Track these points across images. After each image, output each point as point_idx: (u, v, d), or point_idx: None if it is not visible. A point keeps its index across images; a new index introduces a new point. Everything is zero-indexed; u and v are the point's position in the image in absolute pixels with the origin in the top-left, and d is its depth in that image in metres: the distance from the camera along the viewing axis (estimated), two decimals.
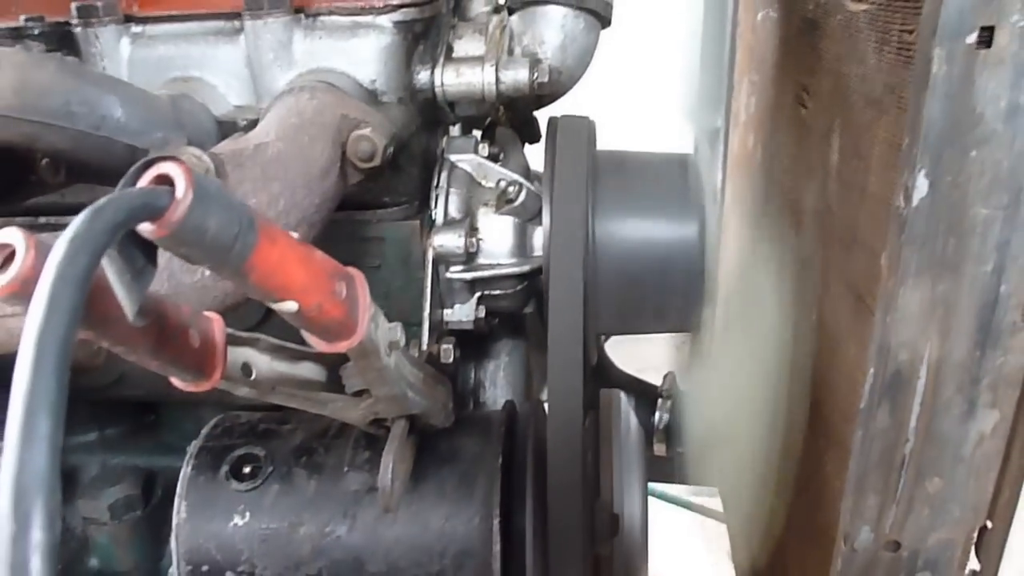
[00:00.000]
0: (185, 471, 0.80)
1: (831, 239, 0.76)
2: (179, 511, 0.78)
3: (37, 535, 0.29)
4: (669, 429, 1.18)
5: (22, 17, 0.82)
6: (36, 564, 0.30)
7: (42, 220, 0.87)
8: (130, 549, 1.07)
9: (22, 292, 0.39)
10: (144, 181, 0.41)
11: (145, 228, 0.40)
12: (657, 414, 1.20)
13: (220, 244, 0.43)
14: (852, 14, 0.70)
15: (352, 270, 0.56)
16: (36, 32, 0.81)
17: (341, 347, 0.56)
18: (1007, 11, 0.52)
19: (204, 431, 0.84)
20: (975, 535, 0.67)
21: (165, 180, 0.41)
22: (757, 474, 0.95)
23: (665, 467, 1.22)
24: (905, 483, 0.65)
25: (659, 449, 1.21)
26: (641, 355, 1.37)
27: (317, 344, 0.56)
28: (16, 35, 0.81)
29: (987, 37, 0.53)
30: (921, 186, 0.56)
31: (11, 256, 0.40)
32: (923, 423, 0.62)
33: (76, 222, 0.37)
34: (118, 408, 1.06)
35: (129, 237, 0.41)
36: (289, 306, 0.51)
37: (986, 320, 0.59)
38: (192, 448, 0.82)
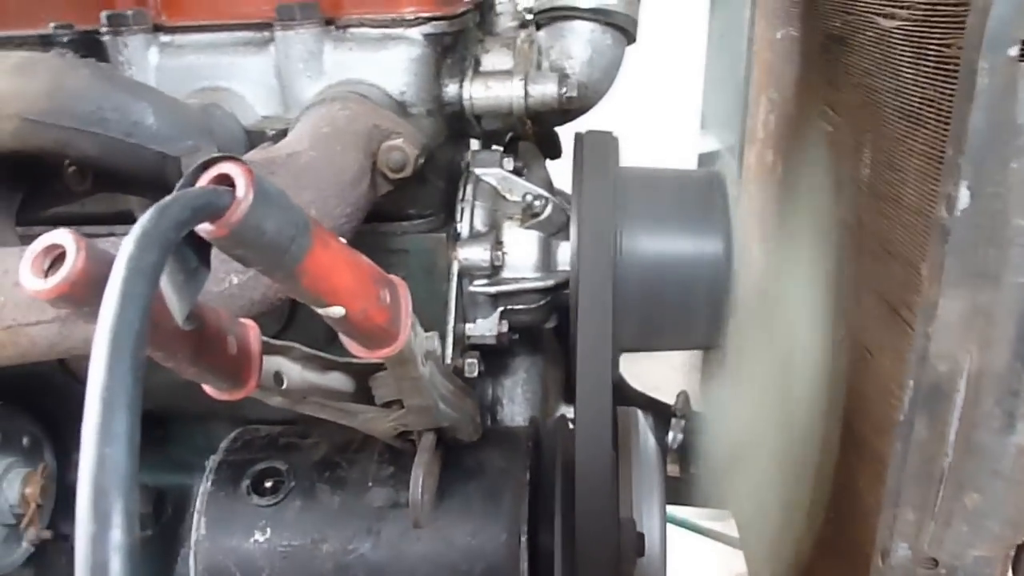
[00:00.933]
0: (204, 486, 0.79)
1: (862, 251, 0.76)
2: (198, 527, 0.77)
3: (117, 535, 0.29)
4: (683, 449, 1.18)
5: (51, 24, 0.82)
6: (116, 565, 0.29)
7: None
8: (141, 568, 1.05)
9: (71, 294, 0.39)
10: (204, 181, 0.41)
11: (203, 228, 0.40)
12: (671, 434, 1.19)
13: (276, 246, 0.43)
14: (884, 31, 0.70)
15: (395, 278, 0.56)
16: (65, 40, 0.81)
17: (382, 354, 0.55)
18: None
19: (223, 445, 0.83)
20: (1012, 552, 0.66)
21: (225, 180, 0.41)
22: (782, 492, 0.95)
23: (679, 488, 1.21)
24: (943, 498, 0.64)
25: (672, 470, 1.20)
26: (643, 375, 1.36)
27: (358, 351, 0.55)
28: (45, 42, 0.81)
29: None
30: (963, 196, 0.56)
31: (60, 257, 0.40)
32: (962, 436, 0.62)
33: (143, 219, 0.36)
34: None
35: (185, 238, 0.40)
36: (336, 311, 0.50)
37: None
38: (211, 463, 0.80)
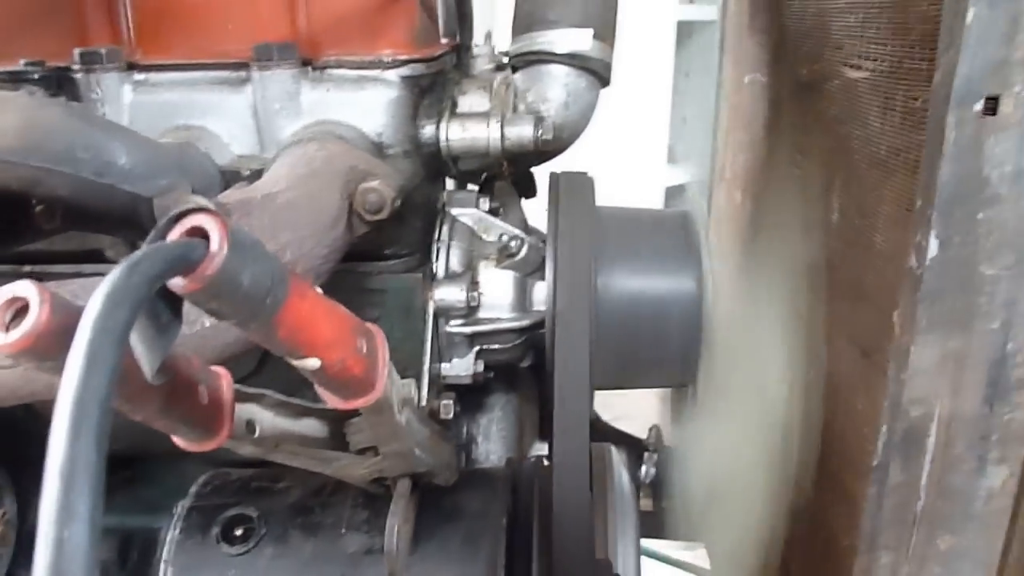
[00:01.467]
0: (172, 534, 0.76)
1: (833, 294, 0.77)
2: None
3: None
4: (656, 483, 1.18)
5: (22, 61, 0.81)
6: None
7: (27, 268, 0.85)
8: None
9: (34, 348, 0.37)
10: (176, 233, 0.40)
11: (175, 282, 0.39)
12: (643, 468, 1.19)
13: (252, 298, 0.42)
14: (851, 80, 0.72)
15: (372, 326, 0.56)
16: (36, 76, 0.79)
17: (358, 404, 0.55)
18: (1011, 81, 0.54)
19: (193, 489, 0.81)
20: None
21: (199, 232, 0.40)
22: (757, 530, 0.95)
23: (651, 522, 1.21)
24: (918, 540, 0.65)
25: (645, 504, 1.20)
26: (614, 403, 1.36)
27: (334, 402, 0.55)
28: (16, 79, 0.80)
29: (992, 105, 0.55)
30: (933, 246, 0.57)
31: (23, 310, 0.39)
32: (935, 479, 0.63)
33: (113, 275, 0.35)
34: None
35: (156, 291, 0.39)
36: (312, 363, 0.50)
37: (994, 376, 0.60)
38: (180, 508, 0.78)
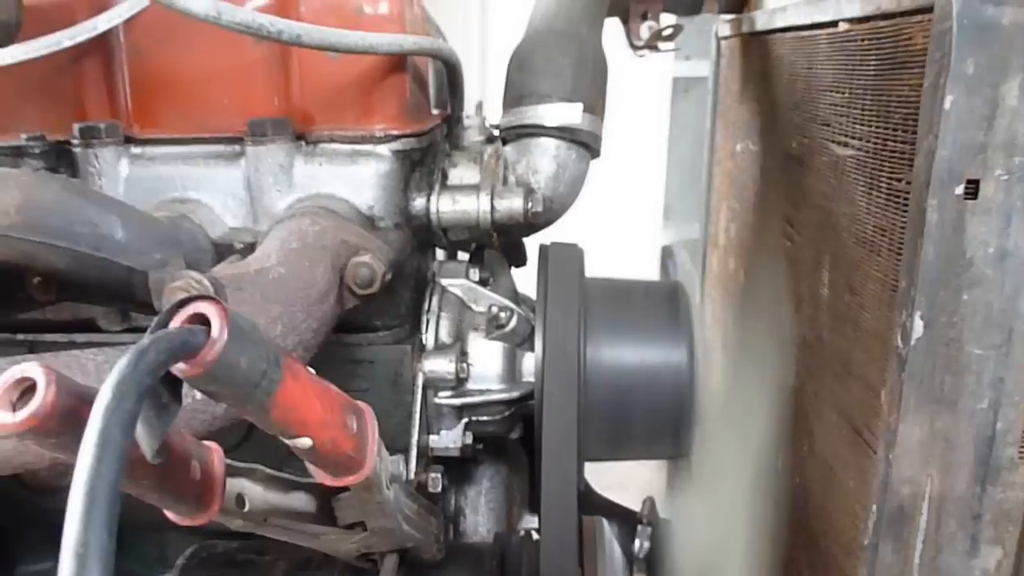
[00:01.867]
0: None
1: (823, 370, 0.78)
2: None
3: None
4: (650, 558, 1.16)
5: (23, 136, 0.82)
6: None
7: (20, 337, 0.85)
8: None
9: (40, 428, 0.39)
10: (179, 319, 0.41)
11: (177, 366, 0.40)
12: (637, 541, 1.18)
13: (248, 382, 0.43)
14: (838, 157, 0.73)
15: (362, 404, 0.56)
16: (37, 151, 0.81)
17: (348, 481, 0.55)
18: (991, 165, 0.56)
19: (179, 562, 0.80)
20: None
21: (200, 319, 0.41)
22: None
23: None
24: None
25: None
26: (608, 470, 1.35)
27: (324, 479, 0.55)
28: (17, 153, 0.81)
29: (973, 189, 0.56)
30: (918, 326, 0.58)
31: (30, 389, 0.39)
32: (927, 560, 0.63)
33: (121, 365, 0.36)
34: None
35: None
36: (304, 442, 0.50)
37: (984, 456, 0.61)
38: None
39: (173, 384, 0.41)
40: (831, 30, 0.74)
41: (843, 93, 0.73)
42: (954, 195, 0.56)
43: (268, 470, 0.62)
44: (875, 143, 0.66)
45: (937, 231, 0.56)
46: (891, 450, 0.60)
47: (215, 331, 0.40)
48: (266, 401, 0.45)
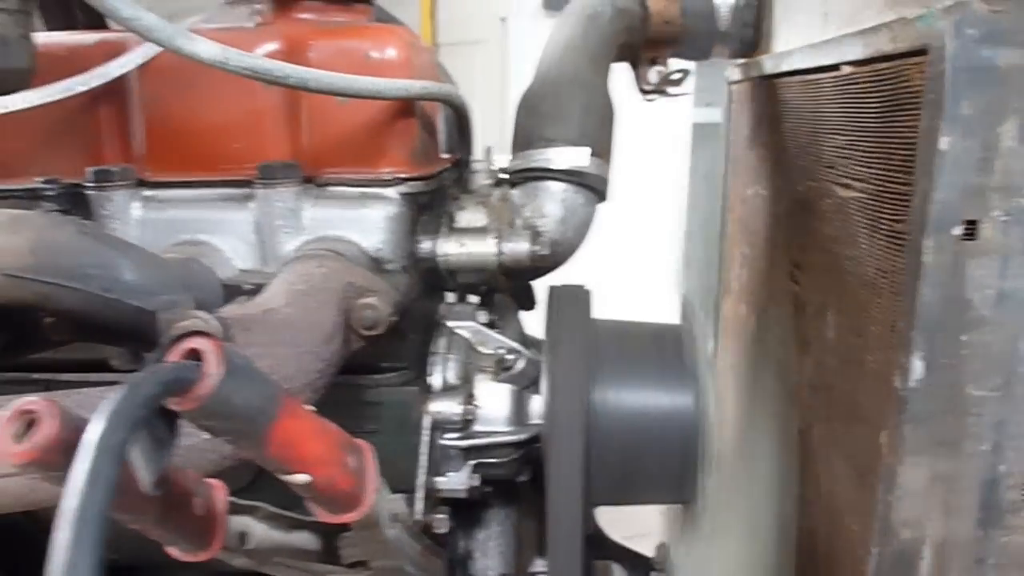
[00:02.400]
0: None
1: (830, 413, 0.77)
2: None
3: None
4: None
5: (38, 179, 0.84)
6: None
7: (35, 376, 0.86)
8: None
9: (41, 459, 0.40)
10: (175, 354, 0.42)
11: (172, 400, 0.41)
12: None
13: (244, 417, 0.44)
14: (842, 200, 0.74)
15: (361, 442, 0.57)
16: (51, 194, 0.83)
17: (347, 518, 0.55)
18: (989, 206, 0.56)
19: None
20: None
21: (195, 353, 0.42)
22: None
23: None
24: None
25: None
26: (630, 518, 1.34)
27: (323, 516, 0.55)
28: (32, 196, 0.83)
29: (972, 230, 0.56)
30: (917, 367, 0.58)
31: (33, 423, 0.40)
32: None
33: (115, 397, 0.37)
34: None
35: (154, 409, 0.41)
36: (301, 478, 0.51)
37: (987, 499, 0.60)
38: None
39: (170, 418, 0.42)
40: (834, 74, 0.75)
41: (846, 136, 0.73)
42: (951, 236, 0.56)
43: (271, 508, 0.63)
44: (876, 185, 0.67)
45: (935, 273, 0.56)
46: (891, 492, 0.60)
47: (209, 367, 0.41)
48: (262, 437, 0.46)
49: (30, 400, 0.41)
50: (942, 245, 0.56)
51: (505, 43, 2.37)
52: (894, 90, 0.62)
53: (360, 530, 0.60)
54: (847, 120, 0.73)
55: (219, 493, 0.57)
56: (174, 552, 0.55)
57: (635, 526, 1.23)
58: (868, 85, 0.67)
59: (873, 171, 0.68)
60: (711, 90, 2.57)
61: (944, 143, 0.54)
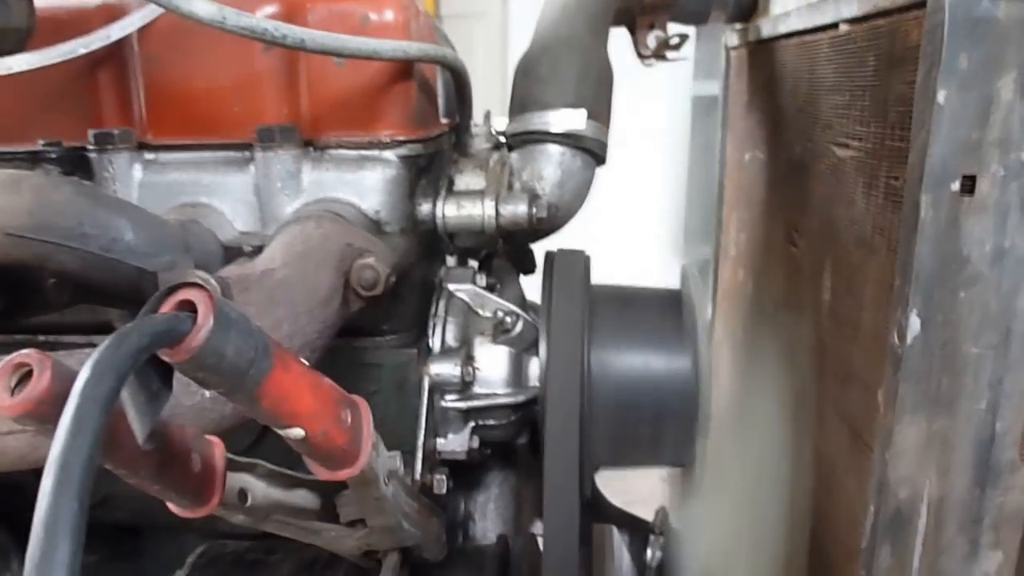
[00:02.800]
0: None
1: (825, 374, 0.77)
2: None
3: None
4: (662, 567, 1.16)
5: (40, 142, 0.85)
6: None
7: (41, 338, 0.87)
8: None
9: (35, 412, 0.40)
10: (167, 306, 0.42)
11: (164, 352, 0.41)
12: (649, 551, 1.17)
13: (236, 369, 0.44)
14: (839, 159, 0.73)
15: (357, 398, 0.57)
16: (53, 156, 0.83)
17: (343, 475, 0.56)
18: (987, 161, 0.55)
19: (189, 560, 0.82)
20: None
21: (187, 305, 0.42)
22: None
23: None
24: None
25: None
26: (629, 488, 1.35)
27: (319, 472, 0.55)
28: (34, 159, 0.83)
29: (970, 185, 0.56)
30: (914, 325, 0.58)
31: (27, 376, 0.41)
32: (926, 564, 0.62)
33: (103, 346, 0.37)
34: (95, 535, 1.02)
35: (148, 360, 0.41)
36: (296, 432, 0.51)
37: (983, 458, 0.60)
38: None
39: (163, 370, 0.43)
40: (832, 33, 0.74)
41: (843, 95, 0.73)
42: (949, 192, 0.56)
43: (270, 466, 0.63)
44: (873, 143, 0.66)
45: (932, 228, 0.56)
46: (887, 450, 0.60)
47: (201, 317, 0.41)
48: (255, 390, 0.46)
49: (23, 353, 0.41)
50: (939, 201, 0.55)
51: (506, 16, 2.35)
52: (891, 45, 0.62)
53: (356, 487, 0.60)
54: (845, 79, 0.73)
55: (218, 450, 0.58)
56: (173, 508, 0.55)
57: (632, 493, 1.23)
58: (866, 43, 0.67)
59: (871, 129, 0.67)
60: (711, 63, 2.55)
61: (942, 97, 0.54)
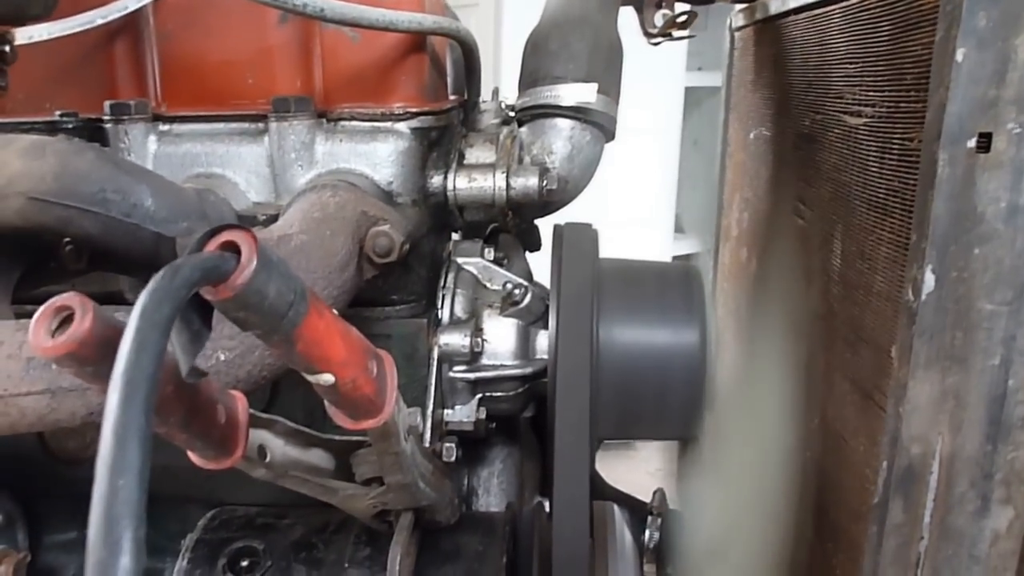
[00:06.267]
0: (180, 564, 0.78)
1: (834, 340, 0.79)
2: None
3: (126, 562, 0.30)
4: (659, 548, 1.17)
5: (57, 112, 0.85)
6: None
7: None
8: None
9: (78, 353, 0.40)
10: (212, 246, 0.43)
11: (207, 291, 0.41)
12: (647, 532, 1.18)
13: (275, 310, 0.45)
14: (851, 127, 0.75)
15: (383, 352, 0.58)
16: (70, 126, 0.84)
17: (367, 424, 0.56)
18: (1003, 118, 0.57)
19: (201, 523, 0.82)
20: None
21: (231, 247, 0.43)
22: None
23: None
24: None
25: (649, 570, 1.18)
26: (620, 480, 1.35)
27: (343, 421, 0.56)
28: (52, 129, 0.84)
29: (985, 142, 0.57)
30: (928, 281, 0.59)
31: (68, 319, 0.41)
32: (937, 519, 0.63)
33: (156, 277, 0.38)
34: None
35: (190, 300, 0.42)
36: (326, 378, 0.51)
37: (996, 414, 0.61)
38: (188, 540, 0.80)
39: (204, 310, 0.43)
40: (844, 4, 0.75)
41: (856, 64, 0.74)
42: (965, 149, 0.57)
43: (290, 424, 0.64)
44: (888, 107, 0.67)
45: (948, 185, 0.57)
46: (901, 405, 0.61)
47: (245, 257, 0.42)
48: (292, 332, 0.47)
49: (64, 296, 0.41)
50: (956, 158, 0.57)
51: (499, 7, 2.37)
52: (907, 9, 0.63)
53: (377, 441, 0.61)
54: (857, 48, 0.74)
55: (241, 404, 0.58)
56: (196, 459, 0.55)
57: (620, 485, 1.24)
58: (880, 9, 0.68)
59: (884, 94, 0.68)
60: (704, 55, 2.58)
61: (960, 55, 0.55)
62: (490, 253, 0.94)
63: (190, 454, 0.55)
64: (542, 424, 1.03)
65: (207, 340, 0.44)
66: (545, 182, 0.88)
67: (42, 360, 0.63)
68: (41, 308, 0.41)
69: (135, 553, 0.30)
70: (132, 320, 0.36)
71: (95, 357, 0.40)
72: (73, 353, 0.40)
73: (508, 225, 0.97)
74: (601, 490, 1.22)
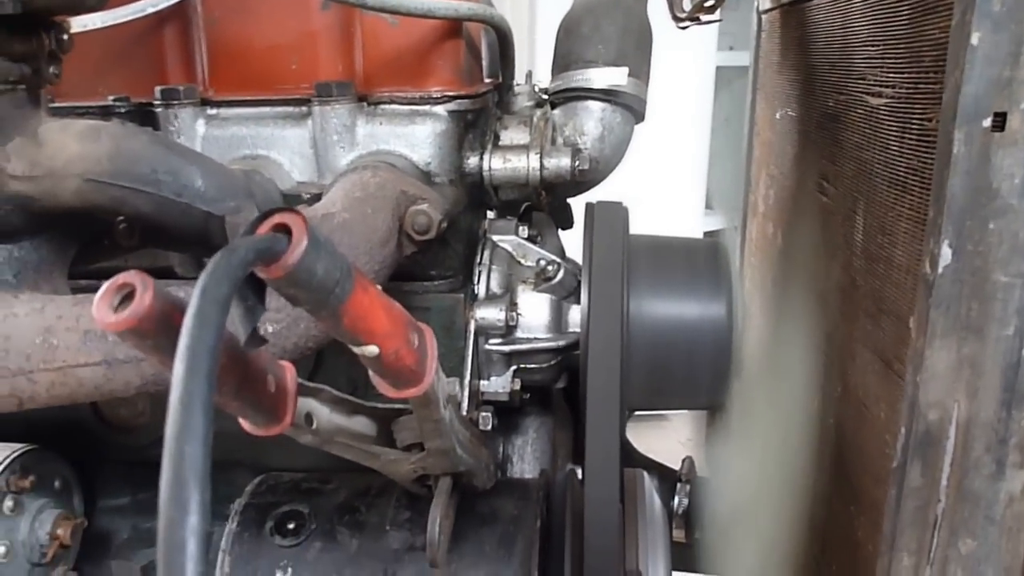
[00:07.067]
0: (230, 526, 0.82)
1: (857, 311, 0.81)
2: (222, 564, 0.80)
3: (194, 520, 0.33)
4: (688, 514, 1.20)
5: (110, 97, 0.90)
6: (192, 546, 0.33)
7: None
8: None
9: (139, 327, 0.44)
10: (264, 228, 0.46)
11: (261, 270, 0.45)
12: (676, 499, 1.21)
13: (324, 287, 0.48)
14: (872, 107, 0.77)
15: (423, 325, 0.61)
16: (122, 111, 0.88)
17: (409, 393, 0.60)
18: (1017, 98, 0.58)
19: (249, 488, 0.87)
20: None
21: (282, 229, 0.46)
22: (784, 548, 0.97)
23: (684, 554, 1.23)
24: (939, 543, 0.67)
25: (678, 535, 1.22)
26: (650, 451, 1.38)
27: (387, 390, 0.60)
28: (103, 113, 0.88)
29: (1000, 121, 0.59)
30: (945, 254, 0.61)
31: (129, 296, 0.45)
32: (954, 482, 0.66)
33: (215, 259, 0.41)
34: (151, 471, 1.07)
35: (245, 279, 0.45)
36: (371, 350, 0.55)
37: (1011, 381, 0.63)
38: (238, 505, 0.84)
39: (258, 288, 0.47)
40: None
41: (876, 47, 0.76)
42: (981, 128, 0.59)
43: (335, 392, 0.68)
44: (907, 88, 0.69)
45: (964, 163, 0.59)
46: (919, 374, 0.63)
47: (295, 238, 0.45)
48: (339, 308, 0.50)
49: (126, 274, 0.45)
50: (971, 136, 0.59)
51: None
52: None
53: (418, 408, 0.65)
54: (878, 31, 0.76)
55: (290, 373, 0.62)
56: (247, 426, 0.59)
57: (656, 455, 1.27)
58: None
59: (904, 76, 0.70)
60: (734, 35, 2.57)
61: (975, 38, 0.57)
62: (524, 231, 0.97)
63: (242, 421, 0.59)
64: (574, 395, 1.06)
65: (261, 315, 0.48)
66: (577, 162, 0.91)
67: (99, 332, 0.67)
68: (104, 285, 0.44)
69: (202, 513, 0.33)
70: (194, 298, 0.40)
71: (154, 331, 0.43)
72: (134, 328, 0.43)
73: (541, 204, 1.00)
74: (632, 458, 1.25)
